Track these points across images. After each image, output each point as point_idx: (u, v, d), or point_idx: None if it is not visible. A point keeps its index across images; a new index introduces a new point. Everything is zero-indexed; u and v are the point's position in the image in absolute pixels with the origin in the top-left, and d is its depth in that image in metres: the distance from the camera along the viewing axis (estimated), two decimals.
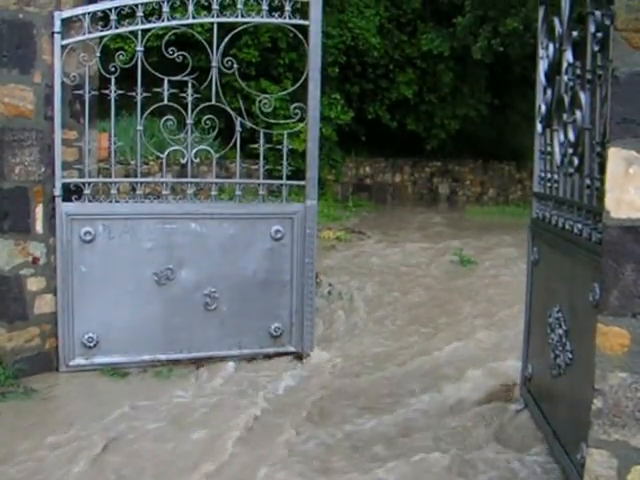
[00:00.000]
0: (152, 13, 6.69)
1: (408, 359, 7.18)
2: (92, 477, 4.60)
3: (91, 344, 6.46)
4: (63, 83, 6.26)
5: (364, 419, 5.63)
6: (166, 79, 6.60)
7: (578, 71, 4.43)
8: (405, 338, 7.97)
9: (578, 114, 4.37)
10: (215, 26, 6.61)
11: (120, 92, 6.55)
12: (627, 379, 3.52)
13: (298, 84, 6.99)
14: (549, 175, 5.29)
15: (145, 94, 6.58)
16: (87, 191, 6.45)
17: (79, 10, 6.32)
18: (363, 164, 23.86)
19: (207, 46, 6.71)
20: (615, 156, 3.45)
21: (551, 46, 5.17)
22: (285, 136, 7.03)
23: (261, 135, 6.96)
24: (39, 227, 6.28)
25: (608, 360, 3.55)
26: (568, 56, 4.66)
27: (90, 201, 6.49)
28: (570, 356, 4.53)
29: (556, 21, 4.92)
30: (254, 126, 7.05)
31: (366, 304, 9.34)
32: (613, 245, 3.50)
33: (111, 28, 6.42)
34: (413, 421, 5.63)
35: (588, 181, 4.22)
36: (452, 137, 23.88)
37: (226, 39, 6.66)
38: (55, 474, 4.60)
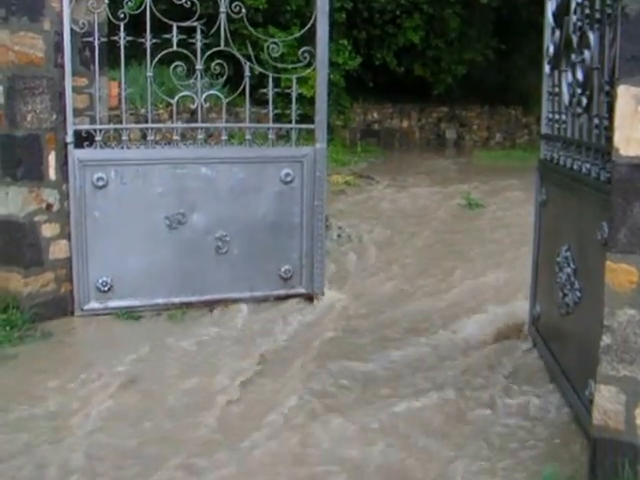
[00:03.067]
0: None
1: (418, 299, 7.29)
2: (112, 416, 4.71)
3: (105, 288, 6.53)
4: (72, 30, 6.25)
5: (375, 358, 5.72)
6: (175, 25, 6.59)
7: (587, 11, 4.43)
8: (415, 279, 8.04)
9: (587, 54, 4.37)
10: None
11: (129, 39, 6.53)
12: (636, 316, 3.56)
13: (306, 28, 6.94)
14: (557, 116, 5.30)
15: (154, 40, 6.57)
16: (98, 137, 6.48)
17: None
18: (371, 110, 23.70)
19: None
20: (624, 94, 3.47)
21: None
22: (294, 81, 7.03)
23: (270, 79, 6.94)
24: (52, 174, 6.32)
25: (617, 297, 3.59)
26: None
27: (102, 148, 6.53)
28: (579, 294, 4.58)
29: None
30: (263, 71, 7.05)
31: (376, 247, 9.43)
32: (622, 183, 3.53)
33: None
34: (423, 360, 5.72)
35: (596, 120, 4.24)
36: (459, 82, 23.67)
37: None
38: (74, 414, 4.71)
